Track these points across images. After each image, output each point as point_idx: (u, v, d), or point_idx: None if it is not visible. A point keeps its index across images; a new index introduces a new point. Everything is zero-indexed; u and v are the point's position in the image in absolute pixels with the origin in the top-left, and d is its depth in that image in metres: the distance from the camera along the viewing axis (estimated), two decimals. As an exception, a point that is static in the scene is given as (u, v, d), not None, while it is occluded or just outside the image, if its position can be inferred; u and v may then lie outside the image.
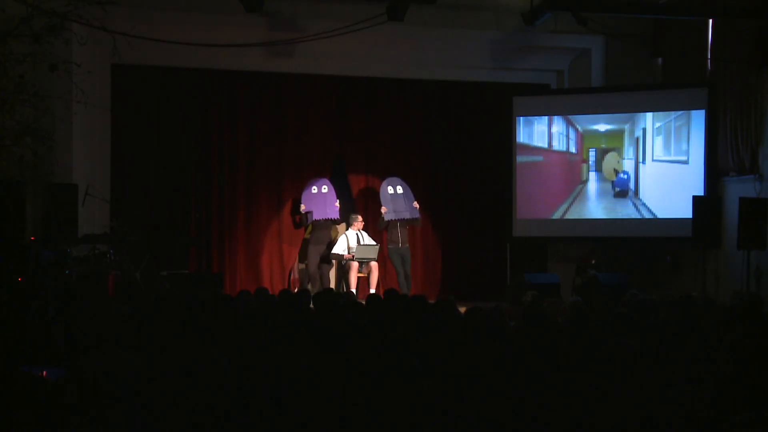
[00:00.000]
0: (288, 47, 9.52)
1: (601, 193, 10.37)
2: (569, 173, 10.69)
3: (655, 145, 9.95)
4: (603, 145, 10.37)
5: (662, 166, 9.93)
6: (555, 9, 8.93)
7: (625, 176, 10.24)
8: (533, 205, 10.44)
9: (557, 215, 10.37)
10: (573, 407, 2.67)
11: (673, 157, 9.83)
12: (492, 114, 10.87)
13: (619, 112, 9.90)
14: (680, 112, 9.72)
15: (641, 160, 10.01)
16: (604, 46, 10.38)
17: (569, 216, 10.34)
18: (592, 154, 10.38)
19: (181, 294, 6.94)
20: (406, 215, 10.26)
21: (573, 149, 10.55)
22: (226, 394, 2.64)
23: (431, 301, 5.74)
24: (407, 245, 10.22)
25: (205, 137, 10.59)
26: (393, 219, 10.12)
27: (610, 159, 10.33)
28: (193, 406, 2.59)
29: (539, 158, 10.54)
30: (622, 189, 10.18)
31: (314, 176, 10.87)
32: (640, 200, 10.01)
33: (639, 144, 10.03)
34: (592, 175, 10.40)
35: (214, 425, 2.56)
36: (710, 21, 9.35)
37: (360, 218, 10.10)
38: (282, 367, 2.98)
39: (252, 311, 5.05)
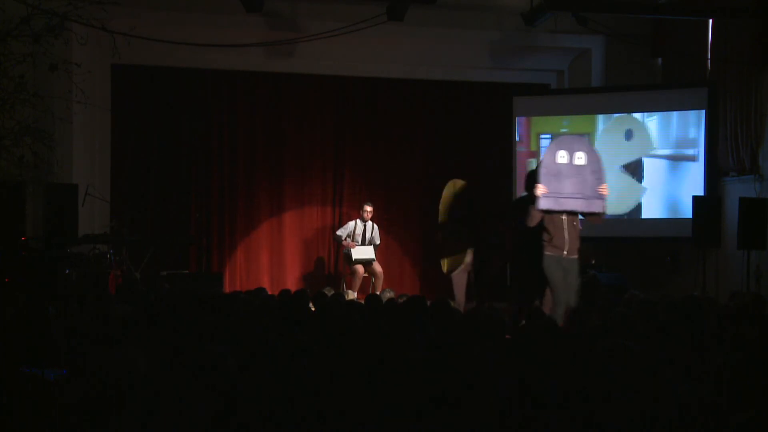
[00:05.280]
0: (288, 47, 9.52)
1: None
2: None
3: (650, 136, 9.41)
4: (565, 129, 9.40)
5: (660, 164, 9.43)
6: (555, 9, 8.92)
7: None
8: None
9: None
10: (573, 407, 2.67)
11: (675, 152, 9.24)
12: (492, 114, 10.87)
13: (619, 112, 9.88)
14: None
15: None
16: (604, 46, 10.37)
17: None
18: (546, 144, 9.23)
19: (181, 294, 6.93)
20: (578, 206, 6.37)
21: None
22: (228, 393, 2.64)
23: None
24: (575, 256, 6.44)
25: (205, 137, 10.60)
26: (553, 209, 6.38)
27: None
28: (194, 405, 2.59)
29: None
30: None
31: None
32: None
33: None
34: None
35: (214, 425, 2.56)
36: (710, 21, 9.35)
37: (370, 207, 9.94)
38: (281, 367, 2.98)
39: (252, 311, 5.05)
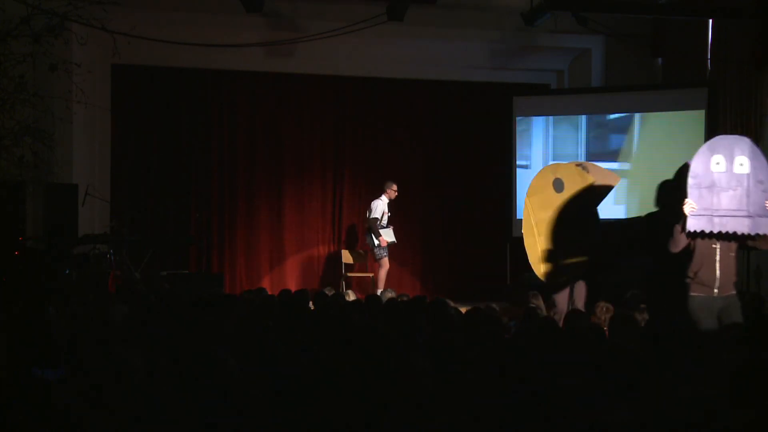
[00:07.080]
0: (288, 47, 9.52)
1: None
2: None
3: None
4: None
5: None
6: (555, 9, 8.91)
7: None
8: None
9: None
10: (573, 408, 2.67)
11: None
12: (492, 114, 10.87)
13: (619, 112, 9.88)
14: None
15: None
16: (604, 46, 10.37)
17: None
18: None
19: (181, 294, 6.94)
20: (741, 226, 4.84)
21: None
22: (228, 393, 2.64)
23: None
24: (732, 291, 4.96)
25: (205, 137, 10.60)
26: (707, 231, 4.84)
27: None
28: (195, 405, 2.59)
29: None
30: None
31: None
32: None
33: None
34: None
35: (214, 424, 2.56)
36: (710, 21, 9.34)
37: (395, 186, 9.73)
38: (281, 367, 2.98)
39: (252, 311, 5.05)
